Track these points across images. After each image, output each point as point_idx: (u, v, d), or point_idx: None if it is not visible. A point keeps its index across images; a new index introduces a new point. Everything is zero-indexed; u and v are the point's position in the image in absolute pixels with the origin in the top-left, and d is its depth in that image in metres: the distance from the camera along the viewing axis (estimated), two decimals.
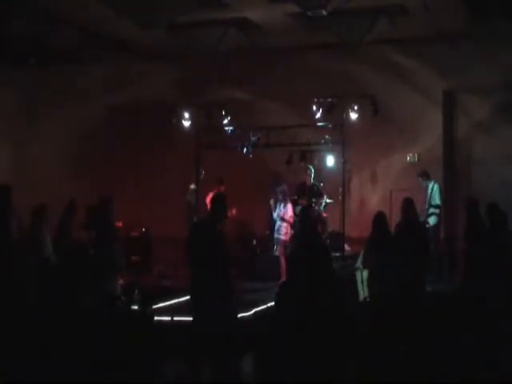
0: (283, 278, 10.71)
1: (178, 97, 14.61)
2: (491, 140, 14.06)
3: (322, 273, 6.90)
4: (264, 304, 9.57)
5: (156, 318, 8.52)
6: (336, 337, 6.64)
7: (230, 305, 6.93)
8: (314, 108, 12.51)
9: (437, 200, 12.18)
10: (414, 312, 7.65)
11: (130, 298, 9.35)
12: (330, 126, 12.38)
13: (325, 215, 12.98)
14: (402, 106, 14.33)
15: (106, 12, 12.59)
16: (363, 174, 14.86)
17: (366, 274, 8.99)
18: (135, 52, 15.32)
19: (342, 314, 6.96)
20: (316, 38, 14.15)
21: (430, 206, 12.22)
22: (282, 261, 11.33)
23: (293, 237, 11.82)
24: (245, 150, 12.85)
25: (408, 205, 8.96)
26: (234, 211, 13.12)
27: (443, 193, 12.83)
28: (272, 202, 12.45)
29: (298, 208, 12.36)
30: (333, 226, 13.13)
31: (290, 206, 12.15)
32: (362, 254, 9.39)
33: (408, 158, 14.64)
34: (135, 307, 8.70)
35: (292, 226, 11.97)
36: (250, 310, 9.17)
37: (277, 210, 12.13)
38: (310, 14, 12.10)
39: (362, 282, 9.26)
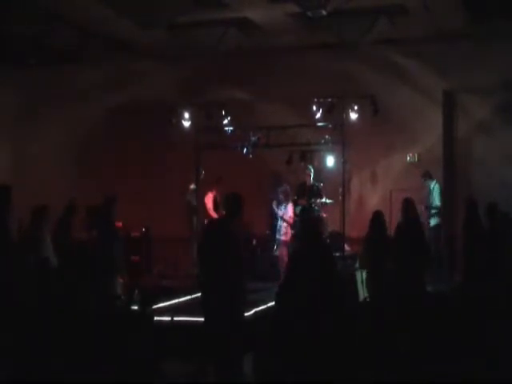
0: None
1: (178, 97, 14.60)
2: (491, 140, 14.06)
3: (323, 273, 6.90)
4: (264, 304, 9.57)
5: (156, 318, 8.51)
6: (336, 337, 6.64)
7: (237, 306, 6.95)
8: (314, 108, 12.51)
9: (436, 201, 12.19)
10: (414, 312, 7.65)
11: (130, 298, 9.35)
12: (330, 126, 12.38)
13: (325, 215, 12.99)
14: (401, 106, 14.33)
15: (105, 12, 12.60)
16: (363, 173, 14.86)
17: (365, 274, 9.00)
18: (135, 52, 15.31)
19: (342, 313, 6.95)
20: (316, 38, 14.15)
21: (431, 207, 12.23)
22: (283, 261, 11.32)
23: (293, 237, 11.84)
24: (245, 150, 12.84)
25: (408, 205, 8.98)
26: None
27: (443, 193, 12.84)
28: (275, 203, 12.45)
29: (298, 208, 12.39)
30: (333, 225, 13.13)
31: (290, 207, 12.16)
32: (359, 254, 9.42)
33: (408, 158, 14.64)
34: (135, 307, 8.70)
35: (292, 226, 11.98)
36: (250, 310, 9.16)
37: (278, 210, 12.16)
38: (309, 14, 12.10)
39: (362, 282, 9.27)
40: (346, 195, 13.05)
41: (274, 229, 12.46)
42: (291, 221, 11.98)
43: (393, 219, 11.19)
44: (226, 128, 12.82)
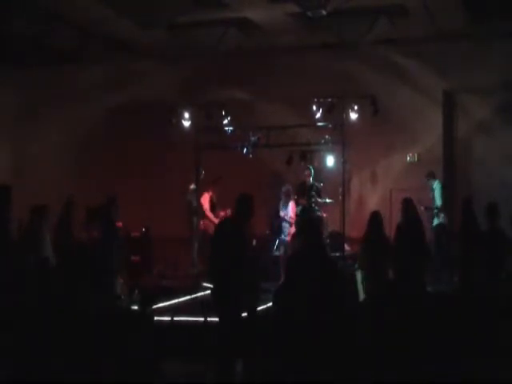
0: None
1: (178, 97, 14.59)
2: (491, 140, 14.07)
3: (323, 273, 6.90)
4: (264, 304, 9.56)
5: (156, 318, 8.51)
6: (336, 337, 6.63)
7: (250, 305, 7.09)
8: (314, 108, 12.49)
9: (437, 201, 12.18)
10: (414, 312, 7.65)
11: (130, 298, 9.36)
12: (330, 126, 12.36)
13: (325, 215, 12.99)
14: (401, 106, 14.34)
15: (105, 12, 12.61)
16: (363, 173, 14.87)
17: (363, 274, 9.01)
18: (135, 52, 15.32)
19: (343, 313, 6.95)
20: (316, 38, 14.16)
21: (433, 207, 12.23)
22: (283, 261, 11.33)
23: (293, 237, 11.84)
24: (245, 150, 12.83)
25: (408, 205, 8.98)
26: (228, 211, 13.14)
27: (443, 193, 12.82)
28: (282, 203, 12.47)
29: (299, 208, 12.39)
30: (333, 226, 13.13)
31: (291, 207, 12.17)
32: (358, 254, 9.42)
33: (408, 158, 14.65)
34: (135, 307, 8.70)
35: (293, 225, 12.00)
36: None
37: (281, 211, 12.19)
38: (309, 14, 12.10)
39: (362, 282, 9.27)
40: (346, 195, 13.04)
41: (277, 229, 12.43)
42: (292, 221, 11.99)
43: (393, 219, 11.20)
44: (226, 128, 12.80)
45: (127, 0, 12.35)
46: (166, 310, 9.60)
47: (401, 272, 8.58)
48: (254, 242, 13.52)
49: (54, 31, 13.45)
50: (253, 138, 12.72)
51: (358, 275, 9.43)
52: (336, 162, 13.32)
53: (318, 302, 6.61)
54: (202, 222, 13.09)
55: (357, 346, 6.98)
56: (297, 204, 12.48)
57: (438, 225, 12.16)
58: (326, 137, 12.57)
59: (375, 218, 8.74)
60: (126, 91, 15.87)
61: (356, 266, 9.70)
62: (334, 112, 12.36)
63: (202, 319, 8.93)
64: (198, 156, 12.73)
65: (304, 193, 12.82)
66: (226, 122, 12.79)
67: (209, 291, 11.47)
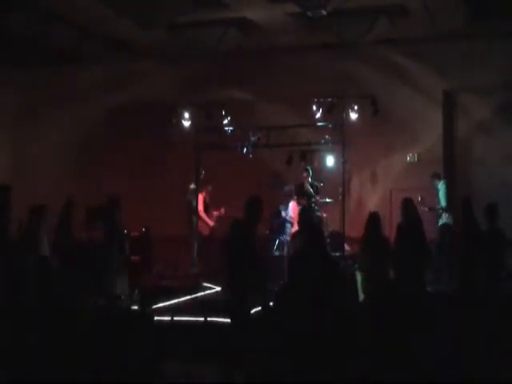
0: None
1: (178, 97, 14.59)
2: (491, 140, 14.07)
3: (324, 272, 6.90)
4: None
5: (156, 317, 8.51)
6: (336, 336, 6.63)
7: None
8: (314, 108, 12.50)
9: (442, 202, 12.17)
10: (414, 312, 7.65)
11: (130, 298, 9.36)
12: (330, 126, 12.37)
13: (325, 215, 13.00)
14: (401, 105, 14.33)
15: (105, 12, 12.61)
16: (363, 173, 14.86)
17: (361, 275, 9.01)
18: (135, 52, 15.32)
19: (343, 313, 6.95)
20: (316, 38, 14.16)
21: (440, 208, 12.23)
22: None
23: (293, 236, 11.85)
24: (245, 150, 12.84)
25: (408, 205, 8.97)
26: (222, 210, 13.16)
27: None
28: (283, 203, 12.48)
29: (299, 208, 12.40)
30: (333, 225, 13.13)
31: (292, 207, 12.18)
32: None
33: (408, 158, 14.65)
34: (135, 307, 8.70)
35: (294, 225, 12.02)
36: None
37: (282, 211, 12.21)
38: (309, 14, 12.11)
39: (362, 282, 9.26)
40: (346, 195, 13.04)
41: (277, 229, 12.44)
42: (293, 221, 12.01)
43: (393, 219, 11.21)
44: (226, 128, 12.81)
45: (127, 0, 12.35)
46: (166, 310, 9.60)
47: (401, 272, 8.58)
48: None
49: (53, 31, 13.45)
50: (253, 138, 12.73)
51: (358, 275, 9.43)
52: (336, 162, 13.33)
53: (318, 302, 6.62)
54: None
55: (357, 345, 6.98)
56: (298, 204, 12.49)
57: (443, 225, 12.15)
58: (326, 137, 12.58)
59: (373, 219, 8.74)
60: (126, 91, 15.87)
61: (356, 266, 9.70)
62: (334, 112, 12.36)
63: (201, 319, 8.93)
64: (197, 156, 12.74)
65: (304, 193, 12.83)
66: (225, 122, 12.80)
67: (209, 291, 11.60)
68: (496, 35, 13.48)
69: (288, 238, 12.07)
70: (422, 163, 14.26)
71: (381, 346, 7.15)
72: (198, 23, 13.48)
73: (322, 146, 13.05)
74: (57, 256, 9.59)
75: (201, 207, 13.17)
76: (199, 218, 13.05)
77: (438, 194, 12.34)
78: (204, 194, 13.23)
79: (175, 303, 10.30)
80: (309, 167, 13.04)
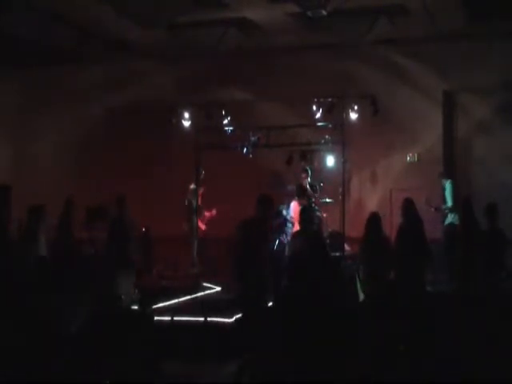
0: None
1: (178, 97, 14.60)
2: (491, 140, 14.07)
3: (325, 272, 6.92)
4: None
5: (156, 317, 8.52)
6: (336, 336, 6.64)
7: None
8: (314, 108, 12.51)
9: (448, 201, 12.15)
10: (414, 312, 7.65)
11: (130, 298, 9.35)
12: (330, 126, 12.38)
13: (325, 215, 13.00)
14: (401, 105, 14.33)
15: (106, 12, 12.60)
16: (363, 173, 14.86)
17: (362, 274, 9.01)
18: (135, 52, 15.31)
19: (343, 313, 6.95)
20: (316, 38, 14.15)
21: (445, 207, 12.21)
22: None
23: (293, 236, 11.84)
24: (245, 150, 12.84)
25: (408, 205, 8.96)
26: (213, 211, 13.16)
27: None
28: (285, 203, 12.49)
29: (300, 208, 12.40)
30: (333, 225, 13.13)
31: (293, 207, 12.19)
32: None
33: (408, 158, 14.65)
34: (135, 307, 8.70)
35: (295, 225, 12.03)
36: None
37: (284, 210, 12.23)
38: (309, 14, 12.10)
39: (362, 282, 9.26)
40: (346, 195, 13.05)
41: (278, 228, 12.44)
42: (293, 220, 12.02)
43: (393, 219, 11.20)
44: (226, 128, 12.82)
45: (127, 0, 12.34)
46: (166, 310, 9.61)
47: (401, 272, 8.58)
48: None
49: (53, 31, 13.45)
50: (253, 138, 12.74)
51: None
52: (336, 162, 13.34)
53: (318, 302, 6.62)
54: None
55: (357, 345, 6.98)
56: (299, 204, 12.49)
57: (449, 224, 12.13)
58: (326, 137, 12.59)
59: (373, 219, 8.73)
60: (126, 91, 15.87)
61: (356, 266, 9.70)
62: (334, 112, 12.37)
63: (201, 319, 8.94)
64: (197, 156, 12.74)
65: (304, 193, 12.84)
66: (225, 122, 12.81)
67: (209, 291, 11.61)
68: (496, 35, 13.48)
69: (288, 238, 12.07)
70: (422, 163, 14.27)
71: (381, 346, 7.15)
72: (198, 23, 13.48)
73: (322, 146, 13.06)
74: (56, 256, 9.57)
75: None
76: (192, 220, 13.12)
77: (444, 194, 12.31)
78: (190, 195, 13.28)
79: (175, 303, 10.30)
80: (308, 167, 13.04)
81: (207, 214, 13.27)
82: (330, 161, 13.63)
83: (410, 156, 14.63)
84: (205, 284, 11.92)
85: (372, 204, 14.14)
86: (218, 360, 8.13)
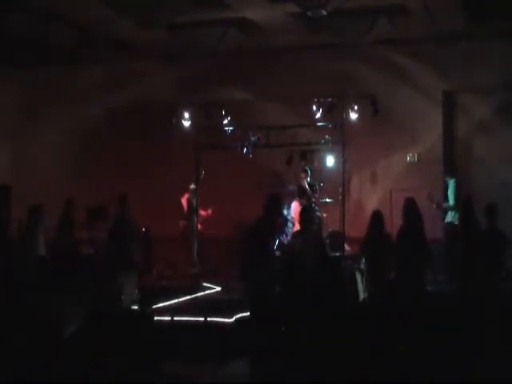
0: None
1: (178, 97, 14.60)
2: (491, 140, 14.06)
3: (325, 273, 6.93)
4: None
5: (156, 317, 8.52)
6: (336, 336, 6.64)
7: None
8: (314, 108, 12.50)
9: (450, 200, 12.15)
10: (414, 312, 7.65)
11: (130, 298, 9.36)
12: (330, 126, 12.37)
13: (325, 215, 13.00)
14: (401, 105, 14.33)
15: (105, 12, 12.60)
16: (363, 173, 14.86)
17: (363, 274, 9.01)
18: (135, 52, 15.31)
19: (342, 313, 6.96)
20: (316, 38, 14.14)
21: (446, 206, 12.21)
22: None
23: (293, 236, 11.85)
24: (245, 150, 12.84)
25: (410, 205, 8.94)
26: (209, 211, 13.17)
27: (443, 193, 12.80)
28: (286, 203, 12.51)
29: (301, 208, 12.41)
30: (333, 225, 13.13)
31: (293, 207, 12.20)
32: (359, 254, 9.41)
33: (408, 158, 14.64)
34: (135, 307, 8.70)
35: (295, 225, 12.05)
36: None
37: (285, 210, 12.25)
38: (309, 14, 12.10)
39: (362, 282, 9.27)
40: (346, 195, 13.04)
41: (280, 229, 12.45)
42: (294, 221, 12.03)
43: (393, 219, 11.19)
44: (226, 128, 12.81)
45: (127, 0, 12.34)
46: (166, 310, 9.61)
47: (401, 272, 8.58)
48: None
49: (53, 31, 13.44)
50: (253, 138, 12.73)
51: (358, 275, 9.44)
52: (336, 162, 13.33)
53: (318, 302, 6.62)
54: (182, 223, 13.25)
55: (357, 345, 6.98)
56: (300, 204, 12.50)
57: (448, 223, 12.12)
58: (326, 137, 12.59)
59: (377, 218, 8.73)
60: (126, 91, 15.87)
61: (356, 265, 9.70)
62: (334, 112, 12.37)
63: (202, 319, 8.94)
64: (197, 156, 12.74)
65: (304, 193, 12.84)
66: (225, 121, 12.81)
67: (209, 291, 11.61)
68: (496, 35, 13.48)
69: (288, 238, 12.07)
70: (422, 163, 14.26)
71: (381, 346, 7.15)
72: (198, 23, 13.48)
73: (322, 146, 13.06)
74: (56, 256, 9.58)
75: (186, 208, 13.29)
76: (187, 220, 13.14)
77: (446, 192, 12.31)
78: (191, 195, 13.29)
79: (175, 303, 10.30)
80: (307, 167, 13.04)
81: (203, 213, 13.27)
82: (330, 161, 13.63)
83: (410, 156, 14.62)
84: (205, 284, 11.92)
85: (372, 204, 14.10)
86: (218, 360, 8.13)
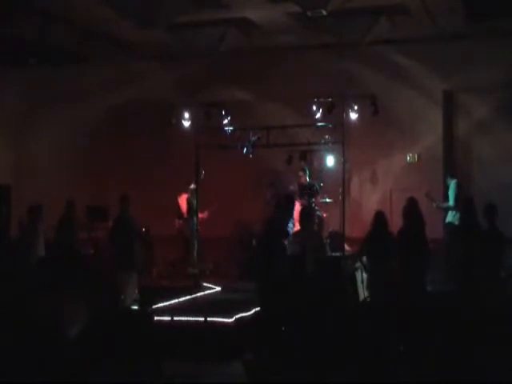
0: None
1: (178, 97, 14.60)
2: (491, 140, 14.06)
3: (325, 272, 6.93)
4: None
5: (156, 317, 8.51)
6: (336, 337, 6.64)
7: None
8: (314, 108, 12.50)
9: (450, 201, 12.15)
10: (414, 312, 7.65)
11: (130, 298, 9.36)
12: (330, 125, 12.38)
13: (325, 215, 13.00)
14: (401, 106, 14.33)
15: (106, 12, 12.60)
16: (363, 173, 14.86)
17: (365, 274, 9.00)
18: (135, 52, 15.32)
19: (342, 313, 6.96)
20: (316, 38, 14.15)
21: (446, 206, 12.21)
22: None
23: (293, 236, 11.84)
24: (245, 150, 12.84)
25: (413, 205, 8.93)
26: (205, 213, 13.15)
27: (444, 193, 12.80)
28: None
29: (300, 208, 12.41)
30: (333, 225, 13.13)
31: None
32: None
33: (408, 158, 14.64)
34: (135, 307, 8.70)
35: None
36: (250, 310, 9.16)
37: None
38: (309, 13, 12.11)
39: (362, 281, 9.27)
40: (346, 195, 13.04)
41: None
42: (294, 221, 12.02)
43: (393, 219, 11.18)
44: (226, 128, 12.81)
45: (127, 0, 12.34)
46: (166, 309, 9.60)
47: (401, 272, 8.57)
48: (254, 242, 13.58)
49: (54, 31, 13.44)
50: (253, 138, 12.73)
51: (358, 275, 9.44)
52: (336, 162, 13.34)
53: (318, 302, 6.62)
54: (177, 222, 13.25)
55: (357, 345, 6.98)
56: (300, 204, 12.50)
57: (448, 223, 12.12)
58: (326, 137, 12.59)
59: (380, 217, 8.73)
60: (126, 91, 15.87)
61: (356, 265, 9.70)
62: (334, 112, 12.37)
63: (201, 319, 8.94)
64: (198, 156, 12.73)
65: (304, 193, 12.84)
66: (225, 121, 12.80)
67: (209, 291, 11.61)
68: (496, 35, 13.48)
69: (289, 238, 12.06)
70: (421, 163, 14.26)
71: (381, 346, 7.15)
72: (198, 23, 13.48)
73: (322, 146, 13.06)
74: (56, 256, 9.58)
75: (184, 209, 13.29)
76: (181, 217, 13.15)
77: (447, 192, 12.30)
78: (188, 194, 13.28)
79: (175, 303, 10.30)
80: (306, 167, 13.05)
81: (200, 215, 13.26)
82: (330, 161, 13.63)
83: (410, 156, 14.62)
84: (205, 284, 11.92)
85: (372, 204, 14.11)
86: (218, 360, 8.13)
